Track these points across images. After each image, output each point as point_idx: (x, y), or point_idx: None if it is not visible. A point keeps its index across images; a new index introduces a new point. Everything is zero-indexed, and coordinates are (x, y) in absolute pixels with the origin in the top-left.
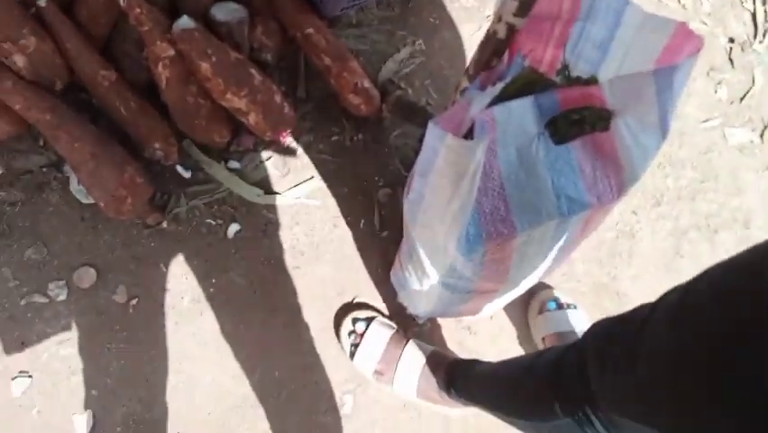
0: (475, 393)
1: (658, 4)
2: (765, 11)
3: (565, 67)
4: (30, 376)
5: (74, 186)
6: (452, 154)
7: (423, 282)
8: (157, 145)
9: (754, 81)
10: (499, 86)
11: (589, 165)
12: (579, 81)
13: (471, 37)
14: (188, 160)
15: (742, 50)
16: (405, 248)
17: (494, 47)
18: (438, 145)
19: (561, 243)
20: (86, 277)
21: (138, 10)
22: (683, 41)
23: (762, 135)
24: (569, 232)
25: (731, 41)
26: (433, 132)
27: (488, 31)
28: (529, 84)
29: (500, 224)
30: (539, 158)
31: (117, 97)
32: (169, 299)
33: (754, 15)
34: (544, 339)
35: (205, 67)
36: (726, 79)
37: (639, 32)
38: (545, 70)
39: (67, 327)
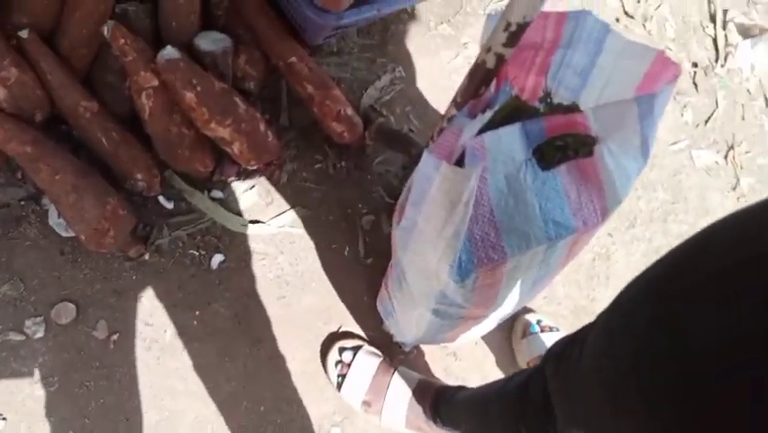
0: (457, 421)
1: (624, 30)
2: (726, 36)
3: (547, 94)
4: (4, 419)
5: (53, 219)
6: (446, 182)
7: (412, 310)
8: (139, 176)
9: (717, 104)
10: (489, 113)
11: (575, 190)
12: (560, 108)
13: (449, 64)
14: (170, 190)
15: (705, 74)
16: (393, 276)
17: (482, 76)
18: (433, 174)
19: (548, 267)
20: (65, 312)
21: (122, 40)
22: (662, 68)
23: (726, 157)
24: (555, 256)
25: (695, 65)
26: (427, 160)
27: (476, 60)
28: (514, 111)
29: (491, 250)
30: (527, 184)
31: (99, 129)
32: (152, 334)
33: (715, 40)
34: (528, 363)
35: (189, 96)
36: (692, 103)
37: (619, 59)
38: (528, 98)
39: (44, 366)
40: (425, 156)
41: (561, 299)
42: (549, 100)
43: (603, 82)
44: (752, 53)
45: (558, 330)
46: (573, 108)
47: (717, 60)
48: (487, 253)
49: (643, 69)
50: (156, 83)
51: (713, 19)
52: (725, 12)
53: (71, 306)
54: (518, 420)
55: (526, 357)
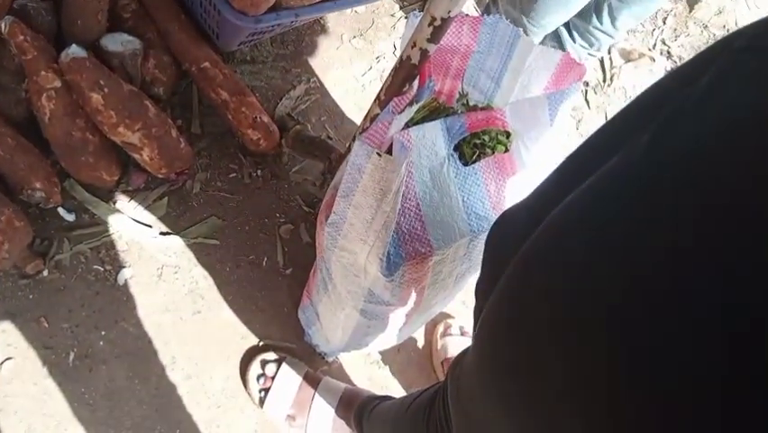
0: None
1: None
2: (611, 59)
3: (463, 96)
4: None
5: None
6: (378, 171)
7: (339, 312)
8: (38, 186)
9: (606, 118)
10: (415, 107)
11: (494, 184)
12: (476, 109)
13: (363, 76)
14: (71, 201)
15: (595, 92)
16: (318, 279)
17: (407, 72)
18: (364, 163)
19: (470, 261)
20: None
21: (21, 37)
22: (568, 69)
23: None
24: (477, 250)
25: (586, 84)
26: (360, 149)
27: (401, 57)
28: (433, 112)
29: (418, 243)
30: (450, 178)
31: None
32: (53, 357)
33: (602, 63)
34: (443, 363)
35: (96, 98)
36: (585, 118)
37: (528, 63)
38: (444, 100)
39: None
40: (357, 145)
41: None
42: (465, 102)
43: (514, 84)
44: (633, 74)
45: None
46: (487, 109)
47: (604, 81)
48: (414, 246)
49: (550, 71)
50: (58, 84)
51: None
52: None
53: None
54: (423, 430)
55: (441, 356)
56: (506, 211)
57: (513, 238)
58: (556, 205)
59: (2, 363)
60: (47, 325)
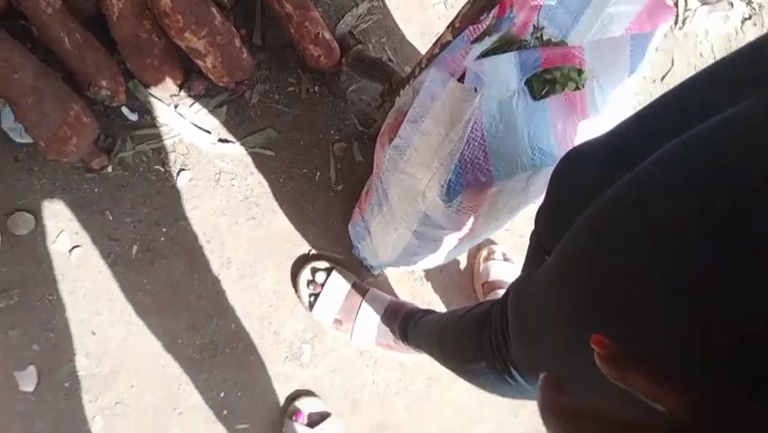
0: (420, 341)
1: None
2: (686, 1)
3: (538, 29)
4: None
5: (7, 123)
6: (451, 100)
7: (391, 232)
8: (104, 83)
9: (673, 63)
10: (495, 37)
11: (561, 121)
12: (549, 44)
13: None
14: (135, 101)
15: (664, 35)
16: (373, 198)
17: (487, 0)
18: (438, 90)
19: (526, 195)
20: (23, 223)
21: None
22: (655, 10)
23: None
24: (535, 185)
25: None
26: (435, 76)
27: None
28: (504, 43)
29: (479, 173)
30: (518, 112)
31: (61, 27)
32: (117, 249)
33: (676, 4)
34: (483, 285)
35: (164, 1)
36: (651, 60)
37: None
38: (516, 32)
39: (2, 279)
40: (434, 72)
41: (523, 231)
42: (539, 35)
43: (594, 22)
44: (707, 19)
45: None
46: (561, 45)
47: (675, 23)
48: (475, 175)
49: (636, 10)
50: None
51: None
52: None
53: (29, 216)
54: (476, 351)
55: (483, 279)
56: (578, 146)
57: (585, 174)
58: (634, 148)
59: (71, 249)
60: (111, 218)
